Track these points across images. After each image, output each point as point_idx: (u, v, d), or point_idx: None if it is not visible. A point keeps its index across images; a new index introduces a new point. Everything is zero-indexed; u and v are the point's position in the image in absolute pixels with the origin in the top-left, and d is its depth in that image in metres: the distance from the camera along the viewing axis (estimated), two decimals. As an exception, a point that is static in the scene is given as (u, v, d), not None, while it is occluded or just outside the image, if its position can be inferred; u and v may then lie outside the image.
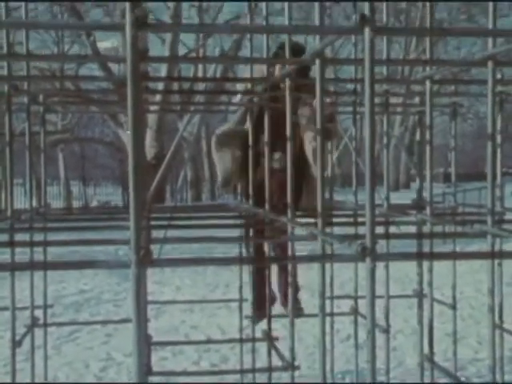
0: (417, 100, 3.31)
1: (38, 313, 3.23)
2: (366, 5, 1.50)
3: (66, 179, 26.80)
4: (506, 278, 3.35)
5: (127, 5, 1.44)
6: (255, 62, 2.80)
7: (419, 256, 2.08)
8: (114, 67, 19.34)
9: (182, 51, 21.08)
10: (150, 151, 17.89)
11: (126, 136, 16.25)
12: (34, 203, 3.25)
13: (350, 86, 3.83)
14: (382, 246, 2.71)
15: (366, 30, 1.47)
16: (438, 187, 21.73)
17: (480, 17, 23.54)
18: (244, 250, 3.71)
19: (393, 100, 3.41)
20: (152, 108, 5.04)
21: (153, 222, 2.61)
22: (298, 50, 4.00)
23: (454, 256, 1.91)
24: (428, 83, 2.38)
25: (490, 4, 1.84)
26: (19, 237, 2.38)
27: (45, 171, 3.18)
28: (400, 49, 30.75)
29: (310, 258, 1.60)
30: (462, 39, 27.82)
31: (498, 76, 2.58)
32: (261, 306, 3.84)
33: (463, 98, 3.08)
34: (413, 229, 2.79)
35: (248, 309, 3.98)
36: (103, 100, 3.36)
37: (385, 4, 3.07)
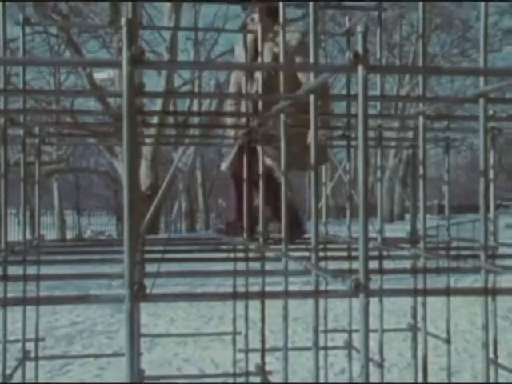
0: (410, 134, 3.34)
1: (30, 345, 3.21)
2: (360, 42, 1.52)
3: (61, 209, 26.76)
4: (501, 311, 3.35)
5: (124, 42, 1.46)
6: (249, 97, 2.82)
7: (413, 292, 2.08)
8: (110, 98, 19.44)
9: (177, 81, 21.23)
10: (144, 182, 17.92)
11: (121, 166, 16.28)
12: (28, 234, 3.24)
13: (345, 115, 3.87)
14: (376, 280, 2.71)
15: (360, 68, 1.49)
16: (432, 219, 21.79)
17: (472, 51, 23.82)
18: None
19: (387, 133, 3.43)
20: (147, 141, 5.07)
21: (147, 255, 2.61)
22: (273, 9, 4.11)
23: (447, 292, 1.91)
24: (421, 118, 2.40)
25: (481, 42, 1.87)
26: (12, 270, 2.37)
27: (39, 202, 3.18)
28: (394, 81, 31.04)
29: (303, 294, 1.61)
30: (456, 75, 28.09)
31: (490, 112, 2.61)
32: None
33: (456, 132, 3.12)
34: (407, 263, 2.79)
35: (242, 342, 3.96)
36: (99, 132, 3.38)
37: (378, 38, 3.11)
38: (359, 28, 1.50)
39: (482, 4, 2.06)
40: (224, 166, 4.37)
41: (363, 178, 1.38)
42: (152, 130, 11.89)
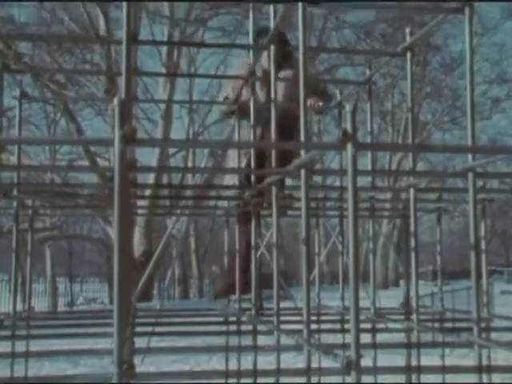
0: (402, 205, 3.36)
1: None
2: (348, 121, 1.55)
3: (53, 276, 26.50)
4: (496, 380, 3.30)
5: (116, 121, 1.48)
6: (242, 172, 2.85)
7: (407, 369, 2.05)
8: (103, 164, 19.57)
9: (172, 149, 21.38)
10: (138, 249, 17.83)
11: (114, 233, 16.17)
12: (19, 301, 3.21)
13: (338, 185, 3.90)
14: (369, 353, 2.68)
15: (349, 146, 1.51)
16: (427, 285, 21.61)
17: (462, 119, 24.20)
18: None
19: (379, 204, 3.45)
20: (140, 211, 5.09)
21: (138, 329, 2.57)
22: (280, 39, 4.18)
23: (441, 369, 1.89)
24: (412, 191, 2.42)
25: (469, 120, 1.91)
26: (1, 345, 2.33)
27: (31, 271, 3.16)
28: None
29: (295, 372, 1.58)
30: (448, 140, 28.44)
31: (480, 183, 2.63)
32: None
33: (448, 203, 3.15)
34: (401, 335, 2.76)
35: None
36: (93, 201, 3.39)
37: (368, 108, 3.16)
38: (348, 107, 1.53)
39: (468, 76, 2.11)
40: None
41: (353, 261, 1.38)
42: (145, 201, 11.85)
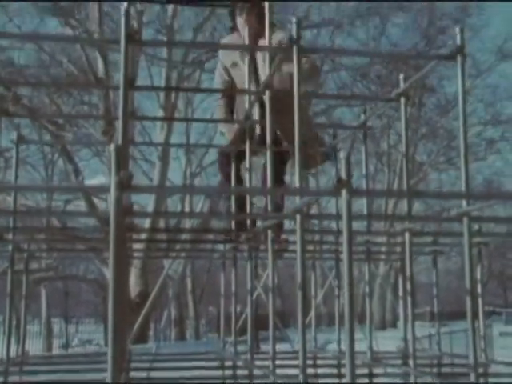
0: (398, 248, 3.36)
1: None
2: (343, 168, 1.56)
3: (48, 317, 26.25)
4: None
5: (112, 167, 1.49)
6: (237, 218, 2.86)
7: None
8: (101, 204, 19.57)
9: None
10: (134, 289, 17.71)
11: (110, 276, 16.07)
12: (13, 343, 3.18)
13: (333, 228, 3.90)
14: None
15: (343, 193, 1.52)
16: (424, 326, 21.44)
17: (458, 160, 24.33)
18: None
19: (375, 247, 3.46)
20: (136, 254, 5.08)
21: (132, 373, 2.55)
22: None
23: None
24: (407, 235, 2.43)
25: (462, 164, 1.93)
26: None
27: (25, 314, 3.14)
28: (382, 187, 31.33)
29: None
30: (444, 181, 28.56)
31: (476, 227, 2.64)
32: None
33: (444, 246, 3.15)
34: (398, 380, 2.74)
35: None
36: (89, 244, 3.38)
37: (363, 152, 3.18)
38: (342, 154, 1.55)
39: (461, 123, 2.13)
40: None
41: (349, 311, 1.38)
42: (141, 244, 11.79)
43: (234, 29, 4.42)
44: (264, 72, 3.92)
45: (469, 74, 20.15)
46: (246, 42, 3.64)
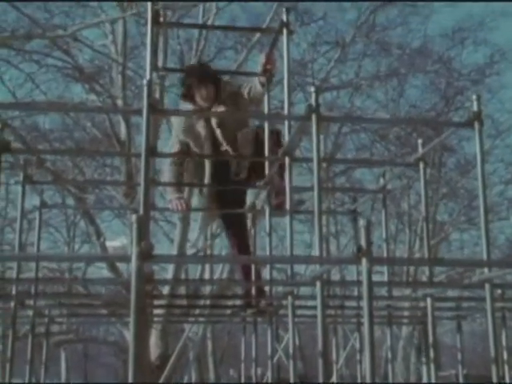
0: (420, 312, 3.32)
1: None
2: (363, 236, 1.57)
3: (68, 380, 26.01)
4: None
5: (134, 238, 1.51)
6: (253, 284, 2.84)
7: None
8: (122, 266, 19.57)
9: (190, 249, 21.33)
10: (154, 351, 17.51)
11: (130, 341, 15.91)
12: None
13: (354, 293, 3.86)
14: None
15: (364, 261, 1.53)
16: (451, 391, 20.83)
17: (479, 219, 24.07)
18: None
19: (397, 311, 3.41)
20: (156, 319, 5.08)
21: None
22: (208, 75, 4.78)
23: None
24: (429, 300, 2.41)
25: (483, 228, 1.92)
26: None
27: (45, 376, 3.13)
28: (404, 247, 31.02)
29: None
30: (466, 241, 28.27)
31: (499, 291, 2.61)
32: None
33: (467, 311, 3.11)
34: None
35: None
36: (110, 308, 3.39)
37: (383, 217, 3.18)
38: (362, 222, 1.55)
39: (480, 190, 2.14)
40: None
41: (371, 375, 1.36)
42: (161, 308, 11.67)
43: (186, 96, 4.86)
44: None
45: (488, 135, 20.17)
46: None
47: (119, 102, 14.83)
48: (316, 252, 1.98)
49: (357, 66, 19.40)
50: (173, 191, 4.64)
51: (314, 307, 3.30)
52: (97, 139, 16.60)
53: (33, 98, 14.89)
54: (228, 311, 3.45)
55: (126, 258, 1.50)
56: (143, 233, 1.50)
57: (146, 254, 1.43)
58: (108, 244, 20.36)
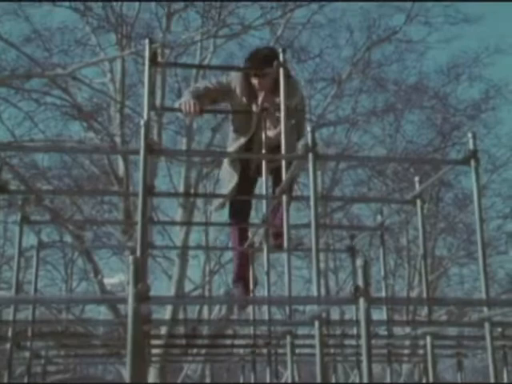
0: (421, 350, 3.30)
1: None
2: (360, 276, 1.56)
3: (64, 420, 25.62)
4: None
5: (130, 279, 1.51)
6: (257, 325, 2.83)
7: None
8: (121, 304, 19.40)
9: (188, 286, 21.23)
10: (152, 390, 17.33)
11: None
12: None
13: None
14: None
15: (361, 301, 1.52)
16: (454, 429, 20.53)
17: (477, 254, 23.98)
18: None
19: (397, 349, 3.39)
20: (154, 359, 5.04)
21: None
22: (269, 58, 4.50)
23: None
24: (428, 338, 2.39)
25: (480, 265, 1.92)
26: None
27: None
28: (403, 282, 30.87)
29: None
30: (465, 275, 28.16)
31: (499, 329, 2.59)
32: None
33: (467, 349, 3.09)
34: None
35: None
36: (107, 348, 3.36)
37: (381, 255, 3.18)
38: (359, 261, 1.55)
39: (478, 226, 2.14)
40: None
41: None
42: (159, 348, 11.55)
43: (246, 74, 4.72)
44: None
45: (485, 169, 20.24)
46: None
47: (117, 140, 14.91)
48: (314, 289, 1.97)
49: (353, 102, 19.57)
50: (190, 93, 4.38)
51: (313, 345, 3.27)
52: (95, 176, 16.64)
53: (31, 137, 14.95)
54: (226, 350, 3.42)
55: (122, 300, 1.49)
56: (140, 274, 1.49)
57: (143, 296, 1.43)
58: (106, 281, 20.26)
